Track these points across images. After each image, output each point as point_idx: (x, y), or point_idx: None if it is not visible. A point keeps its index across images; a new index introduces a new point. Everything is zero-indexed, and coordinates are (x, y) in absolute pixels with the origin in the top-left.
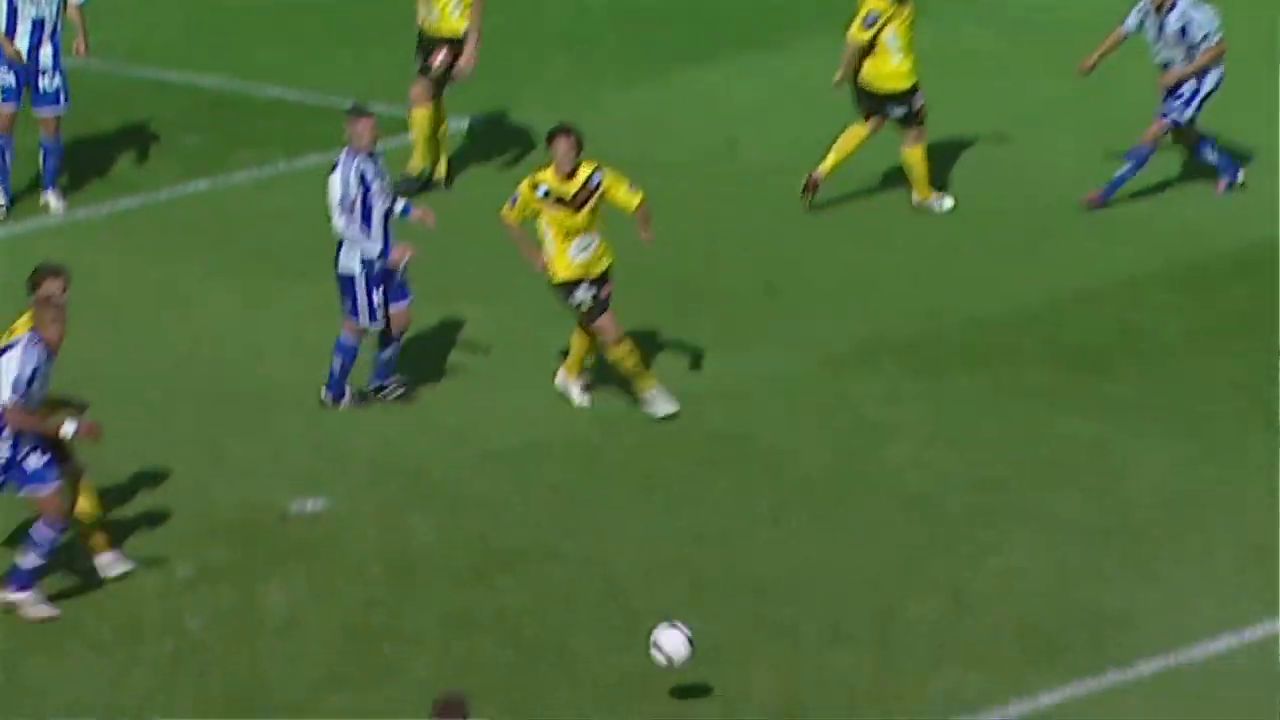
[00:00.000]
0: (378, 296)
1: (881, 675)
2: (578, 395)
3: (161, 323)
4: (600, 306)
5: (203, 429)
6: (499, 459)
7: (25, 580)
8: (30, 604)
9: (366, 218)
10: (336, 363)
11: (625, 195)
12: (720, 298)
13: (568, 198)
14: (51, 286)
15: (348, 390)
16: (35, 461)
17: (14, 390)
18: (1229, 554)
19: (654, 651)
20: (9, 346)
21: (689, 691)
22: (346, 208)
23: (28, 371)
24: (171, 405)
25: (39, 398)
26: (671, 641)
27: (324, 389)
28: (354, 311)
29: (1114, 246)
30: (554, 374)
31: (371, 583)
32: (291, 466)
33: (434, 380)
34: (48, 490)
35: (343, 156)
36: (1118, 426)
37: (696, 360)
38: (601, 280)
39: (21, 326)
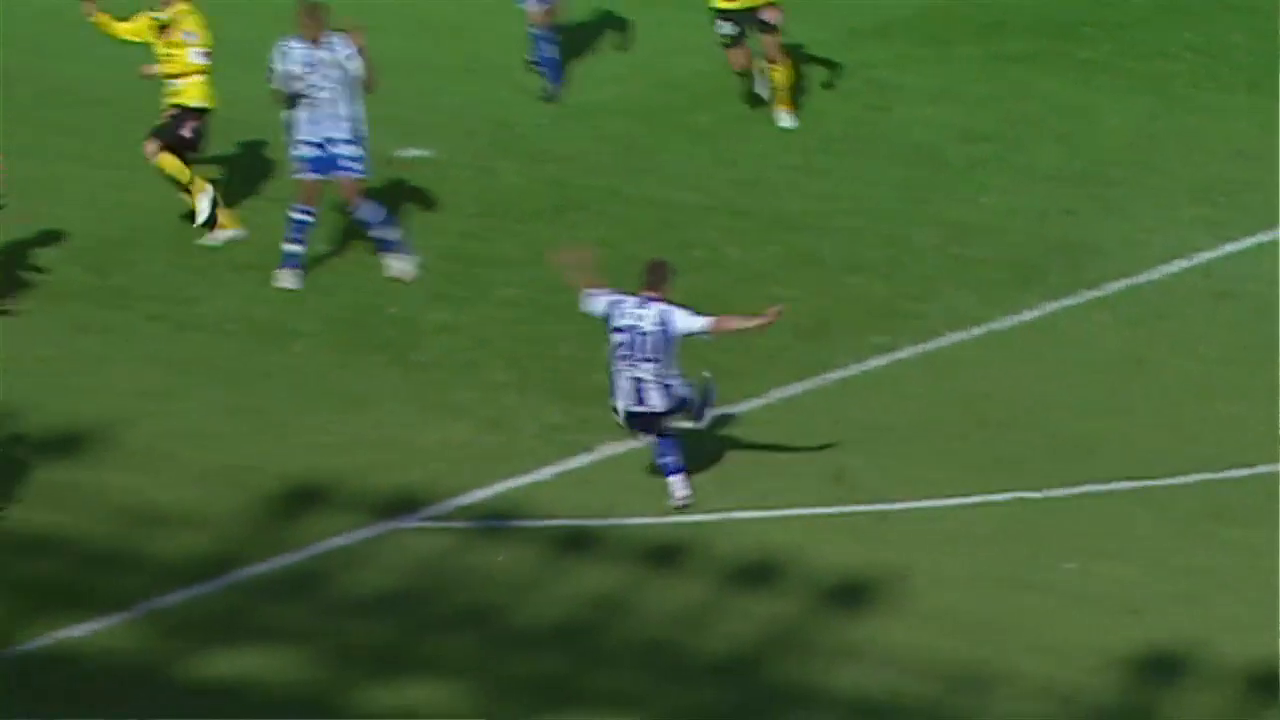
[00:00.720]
0: None
1: (891, 295)
2: None
3: None
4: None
5: None
6: (573, 115)
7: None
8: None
9: None
10: None
11: None
12: None
13: None
14: None
15: None
16: None
17: None
18: (1183, 193)
19: None
20: None
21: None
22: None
23: None
24: None
25: None
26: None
27: None
28: None
29: None
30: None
31: (467, 217)
32: (397, 122)
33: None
34: None
35: None
36: (1090, 86)
37: None
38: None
39: None
